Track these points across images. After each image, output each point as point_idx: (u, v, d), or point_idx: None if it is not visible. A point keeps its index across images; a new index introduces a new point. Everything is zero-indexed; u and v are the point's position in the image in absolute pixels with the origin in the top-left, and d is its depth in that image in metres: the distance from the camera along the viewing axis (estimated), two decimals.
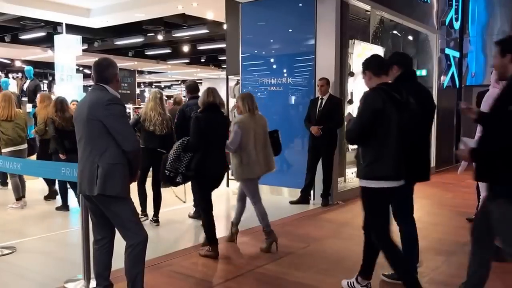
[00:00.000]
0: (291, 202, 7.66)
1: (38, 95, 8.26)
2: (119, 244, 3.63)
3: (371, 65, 3.75)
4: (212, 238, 5.00)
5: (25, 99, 11.62)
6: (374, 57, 3.89)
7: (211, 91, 5.03)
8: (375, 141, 3.57)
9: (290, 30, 8.39)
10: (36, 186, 8.62)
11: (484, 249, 3.42)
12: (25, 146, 7.30)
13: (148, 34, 17.48)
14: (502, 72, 3.30)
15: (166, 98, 7.26)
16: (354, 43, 8.55)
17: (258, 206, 5.27)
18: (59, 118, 6.87)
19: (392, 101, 3.55)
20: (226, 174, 5.28)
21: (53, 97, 8.19)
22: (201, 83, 34.86)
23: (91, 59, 18.99)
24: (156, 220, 6.35)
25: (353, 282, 4.06)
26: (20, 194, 7.40)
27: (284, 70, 8.44)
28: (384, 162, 3.56)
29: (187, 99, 6.73)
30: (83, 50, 14.73)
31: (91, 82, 3.76)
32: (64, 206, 7.23)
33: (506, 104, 3.07)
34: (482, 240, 3.41)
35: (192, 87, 6.50)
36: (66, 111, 6.97)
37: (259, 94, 8.70)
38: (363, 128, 3.58)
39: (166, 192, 6.08)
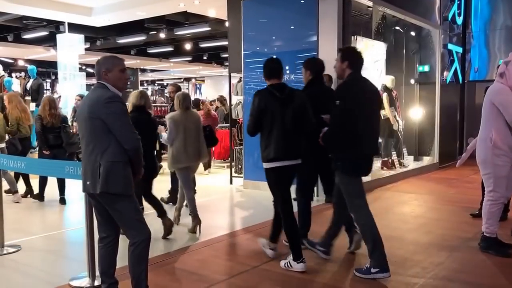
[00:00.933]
0: (295, 199, 7.64)
1: (5, 96, 8.36)
2: (125, 242, 3.64)
3: (264, 72, 4.60)
4: None
5: (28, 98, 11.65)
6: (266, 65, 4.61)
7: (143, 95, 5.66)
8: (265, 132, 4.39)
9: (292, 27, 8.39)
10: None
11: (341, 209, 4.52)
12: (3, 145, 7.48)
13: (150, 32, 17.49)
14: (340, 74, 4.40)
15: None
16: (356, 39, 8.53)
17: (187, 193, 5.89)
18: (50, 115, 7.18)
19: (275, 99, 4.36)
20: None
21: (56, 95, 8.27)
22: (203, 80, 35.00)
23: (93, 58, 19.01)
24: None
25: (289, 261, 4.54)
26: (15, 187, 7.68)
27: (287, 67, 8.41)
28: (272, 147, 4.35)
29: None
30: (86, 49, 14.78)
31: (94, 81, 3.76)
32: (40, 196, 7.63)
33: (336, 99, 4.20)
34: (340, 203, 4.50)
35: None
36: (56, 108, 7.39)
37: None
38: (255, 123, 4.42)
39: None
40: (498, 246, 4.87)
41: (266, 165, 4.45)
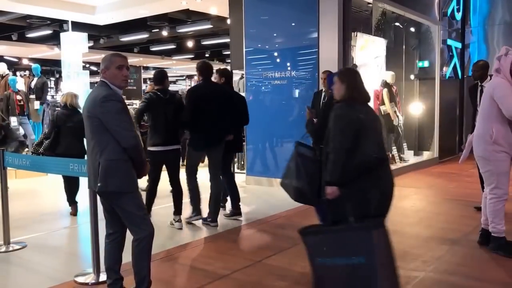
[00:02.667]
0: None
1: None
2: (129, 238, 3.70)
3: (153, 79, 6.02)
4: None
5: (32, 96, 11.73)
6: (155, 75, 5.95)
7: (70, 97, 6.53)
8: (152, 123, 5.74)
9: (293, 24, 8.43)
10: (44, 183, 8.73)
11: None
12: None
13: (152, 30, 17.55)
14: (198, 81, 6.15)
15: None
16: (356, 35, 8.58)
17: None
18: None
19: (159, 99, 5.69)
20: None
21: (60, 93, 8.36)
22: None
23: (97, 56, 19.12)
24: None
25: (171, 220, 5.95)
26: None
27: (288, 64, 8.49)
28: (157, 136, 5.68)
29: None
30: (89, 47, 14.81)
31: (97, 79, 3.81)
32: None
33: (186, 98, 5.96)
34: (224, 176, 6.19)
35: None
36: None
37: (263, 88, 8.77)
38: (140, 115, 5.82)
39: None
40: (508, 247, 4.65)
41: (152, 148, 5.68)
